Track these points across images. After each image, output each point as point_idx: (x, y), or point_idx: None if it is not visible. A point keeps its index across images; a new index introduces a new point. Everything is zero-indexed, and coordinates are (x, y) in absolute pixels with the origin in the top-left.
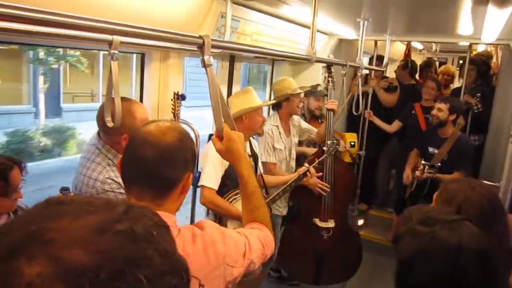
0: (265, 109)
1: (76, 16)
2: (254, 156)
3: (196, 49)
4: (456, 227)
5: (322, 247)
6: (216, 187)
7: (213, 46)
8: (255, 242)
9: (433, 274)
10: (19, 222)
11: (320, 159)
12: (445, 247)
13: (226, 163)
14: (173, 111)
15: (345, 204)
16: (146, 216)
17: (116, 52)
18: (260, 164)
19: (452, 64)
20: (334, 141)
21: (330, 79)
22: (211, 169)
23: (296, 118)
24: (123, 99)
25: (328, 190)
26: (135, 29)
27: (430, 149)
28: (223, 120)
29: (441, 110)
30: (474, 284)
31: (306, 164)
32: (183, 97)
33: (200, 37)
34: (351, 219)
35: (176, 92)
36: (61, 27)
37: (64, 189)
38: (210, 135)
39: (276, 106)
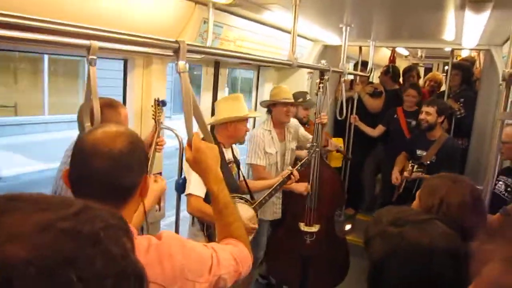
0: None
1: (53, 22)
2: (236, 162)
3: (172, 54)
4: (426, 227)
5: (306, 251)
6: (203, 194)
7: (191, 51)
8: (226, 257)
9: (405, 275)
10: None
11: (302, 162)
12: (416, 247)
13: None
14: (153, 117)
15: (332, 210)
16: (99, 217)
17: (94, 57)
18: (243, 169)
19: (437, 70)
20: (314, 144)
21: (321, 85)
22: (196, 176)
23: (295, 123)
24: (108, 99)
25: (308, 190)
26: (112, 34)
27: (418, 152)
28: (194, 130)
29: (429, 113)
30: (447, 284)
31: (290, 168)
32: (163, 103)
33: (176, 42)
34: (338, 224)
35: (156, 99)
36: (38, 33)
37: None
38: (181, 146)
39: (268, 111)
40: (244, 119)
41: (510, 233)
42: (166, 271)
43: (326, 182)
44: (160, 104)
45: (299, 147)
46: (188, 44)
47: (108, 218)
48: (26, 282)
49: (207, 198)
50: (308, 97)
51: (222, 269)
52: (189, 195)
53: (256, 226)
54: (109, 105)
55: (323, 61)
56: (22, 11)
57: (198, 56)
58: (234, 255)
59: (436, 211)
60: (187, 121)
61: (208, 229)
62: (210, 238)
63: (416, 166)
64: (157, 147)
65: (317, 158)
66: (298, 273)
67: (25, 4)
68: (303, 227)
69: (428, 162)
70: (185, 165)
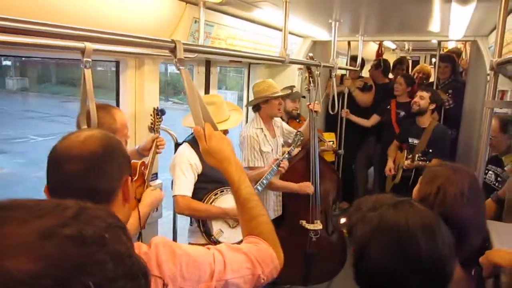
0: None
1: (46, 23)
2: None
3: (169, 54)
4: (402, 207)
5: (311, 248)
6: (189, 193)
7: (185, 50)
8: (237, 260)
9: (384, 255)
10: None
11: (288, 149)
12: (393, 226)
13: (199, 168)
14: (152, 126)
15: (330, 205)
16: (98, 218)
17: (89, 60)
18: None
19: (425, 62)
20: (298, 133)
21: (311, 79)
22: (181, 176)
23: (278, 119)
24: (101, 104)
25: (313, 190)
26: (107, 35)
27: (410, 140)
28: (203, 121)
29: (423, 98)
30: (424, 259)
31: (277, 155)
32: (162, 112)
33: (172, 41)
34: (334, 218)
35: (155, 108)
36: (30, 35)
37: None
38: (177, 144)
39: (256, 108)
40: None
41: None
42: (157, 281)
43: (325, 179)
44: (159, 113)
45: (283, 144)
46: (183, 43)
47: (106, 217)
48: None
49: (197, 196)
50: (294, 89)
51: (229, 274)
52: (174, 196)
53: None
54: (103, 109)
55: (310, 54)
56: (12, 14)
57: (190, 55)
58: (250, 256)
59: (433, 199)
60: (194, 113)
61: (204, 225)
62: (207, 234)
63: (419, 155)
64: (157, 148)
65: (316, 154)
66: (301, 269)
67: (14, 6)
68: (307, 225)
69: (431, 150)
70: (170, 167)
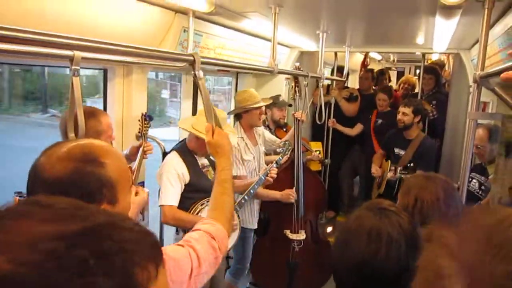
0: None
1: (37, 32)
2: (213, 165)
3: (159, 63)
4: (380, 212)
5: (294, 258)
6: (175, 203)
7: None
8: (204, 248)
9: (342, 260)
10: None
11: (276, 159)
12: (347, 229)
13: (187, 177)
14: (140, 131)
15: (316, 215)
16: (111, 239)
17: (78, 68)
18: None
19: (409, 73)
20: (286, 142)
21: (297, 88)
22: (167, 186)
23: (260, 128)
24: (89, 107)
25: (295, 197)
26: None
27: (396, 150)
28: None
29: (406, 114)
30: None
31: (266, 166)
32: (150, 118)
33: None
34: (320, 227)
35: (144, 113)
36: (22, 44)
37: (18, 193)
38: (165, 153)
39: (237, 117)
40: None
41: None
42: None
43: (310, 188)
44: (147, 118)
45: (266, 152)
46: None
47: (126, 242)
48: None
49: (184, 205)
50: (280, 98)
51: (203, 267)
52: (161, 206)
53: (236, 222)
54: (89, 114)
55: (296, 64)
56: (5, 22)
57: (180, 64)
58: (211, 242)
59: (412, 208)
60: (208, 115)
61: None
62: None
63: (400, 168)
64: (144, 154)
65: (301, 163)
66: (285, 279)
67: (1, 14)
68: (290, 235)
69: (412, 164)
70: (157, 176)
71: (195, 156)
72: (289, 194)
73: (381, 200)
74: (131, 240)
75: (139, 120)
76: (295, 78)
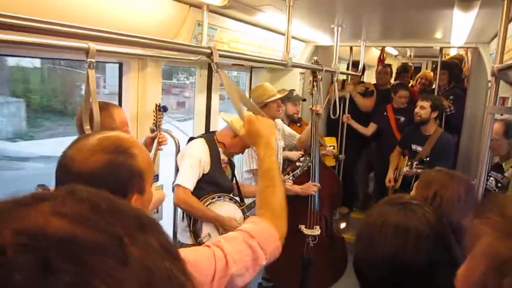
0: None
1: (50, 22)
2: (231, 164)
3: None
4: (405, 207)
5: (308, 254)
6: (191, 187)
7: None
8: (238, 249)
9: (368, 256)
10: None
11: (293, 172)
12: (371, 226)
13: (207, 167)
14: (154, 122)
15: (331, 210)
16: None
17: (93, 60)
18: (237, 172)
19: (426, 69)
20: (307, 158)
21: (315, 83)
22: (187, 169)
23: (279, 122)
24: (101, 102)
25: (316, 189)
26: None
27: (413, 147)
28: (244, 109)
29: (423, 108)
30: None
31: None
32: (164, 109)
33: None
34: (334, 223)
35: (157, 104)
36: (36, 34)
37: (41, 186)
38: (190, 138)
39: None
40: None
41: (500, 209)
42: None
43: (325, 183)
44: (161, 109)
45: (285, 147)
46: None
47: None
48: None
49: (195, 194)
50: (295, 93)
51: (233, 267)
52: (177, 185)
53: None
54: (101, 108)
55: (315, 58)
56: (12, 12)
57: (194, 57)
58: (249, 242)
59: (430, 204)
60: (236, 105)
61: (195, 225)
62: (196, 234)
63: (416, 163)
64: (159, 146)
65: (317, 160)
66: (298, 275)
67: (15, 4)
68: (305, 230)
69: (428, 158)
70: (178, 158)
71: (220, 149)
72: (309, 187)
73: (402, 195)
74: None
75: (153, 111)
76: (313, 72)
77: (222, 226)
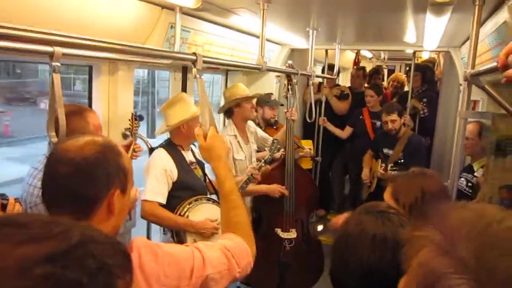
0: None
1: (15, 28)
2: (199, 163)
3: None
4: (381, 215)
5: (285, 257)
6: (160, 199)
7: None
8: (215, 256)
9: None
10: None
11: (265, 158)
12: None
13: (175, 174)
14: (130, 131)
15: (307, 214)
16: (93, 256)
17: (58, 64)
18: (207, 171)
19: (400, 71)
20: (274, 141)
21: (290, 87)
22: (153, 182)
23: (252, 125)
24: (75, 105)
25: (287, 193)
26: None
27: (385, 150)
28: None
29: (394, 121)
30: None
31: (253, 165)
32: (141, 118)
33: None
34: (311, 225)
35: (133, 113)
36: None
37: (0, 195)
38: (151, 149)
39: (228, 114)
40: (196, 116)
41: (441, 220)
42: (140, 283)
43: (301, 186)
44: (137, 118)
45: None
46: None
47: (105, 256)
48: None
49: (171, 204)
50: (272, 97)
51: (209, 269)
52: (143, 201)
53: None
54: (74, 113)
55: (289, 62)
56: None
57: (166, 61)
58: (225, 252)
59: (421, 202)
60: (203, 115)
61: (177, 236)
62: (180, 244)
63: (391, 165)
64: (134, 153)
65: (292, 162)
66: (276, 278)
67: None
68: (281, 233)
69: (402, 160)
70: (144, 170)
71: (182, 152)
72: (276, 188)
73: (378, 203)
74: (109, 254)
75: (129, 120)
76: (288, 76)
77: (197, 231)
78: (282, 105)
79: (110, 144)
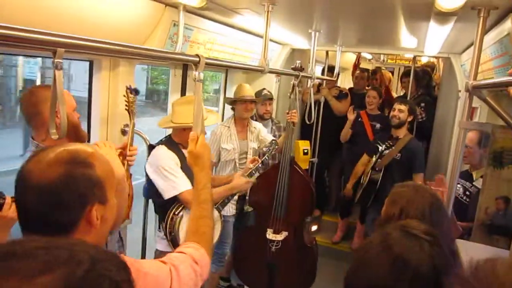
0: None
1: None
2: None
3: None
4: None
5: (271, 259)
6: (190, 185)
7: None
8: (186, 272)
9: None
10: None
11: (262, 158)
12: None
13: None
14: (126, 108)
15: (301, 218)
16: (107, 277)
17: (61, 61)
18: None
19: (399, 73)
20: (273, 141)
21: (296, 88)
22: (174, 174)
23: (257, 125)
24: (45, 86)
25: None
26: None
27: (380, 147)
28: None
29: (402, 111)
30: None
31: (250, 165)
32: (136, 91)
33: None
34: (305, 226)
35: (128, 86)
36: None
37: None
38: (150, 146)
39: (233, 108)
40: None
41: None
42: None
43: (296, 190)
44: (132, 92)
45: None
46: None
47: (113, 274)
48: None
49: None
50: (264, 91)
51: (182, 286)
52: (180, 195)
53: (218, 218)
54: (46, 88)
55: (298, 62)
56: None
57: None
58: (194, 268)
59: (396, 220)
60: (196, 122)
61: (170, 234)
62: (173, 242)
63: (371, 172)
64: (129, 158)
65: (287, 165)
66: (265, 278)
67: None
68: (269, 234)
69: (382, 170)
70: (151, 170)
71: (182, 150)
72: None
73: (416, 224)
74: (114, 270)
75: (124, 96)
76: (296, 77)
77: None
78: (271, 99)
79: (78, 156)
